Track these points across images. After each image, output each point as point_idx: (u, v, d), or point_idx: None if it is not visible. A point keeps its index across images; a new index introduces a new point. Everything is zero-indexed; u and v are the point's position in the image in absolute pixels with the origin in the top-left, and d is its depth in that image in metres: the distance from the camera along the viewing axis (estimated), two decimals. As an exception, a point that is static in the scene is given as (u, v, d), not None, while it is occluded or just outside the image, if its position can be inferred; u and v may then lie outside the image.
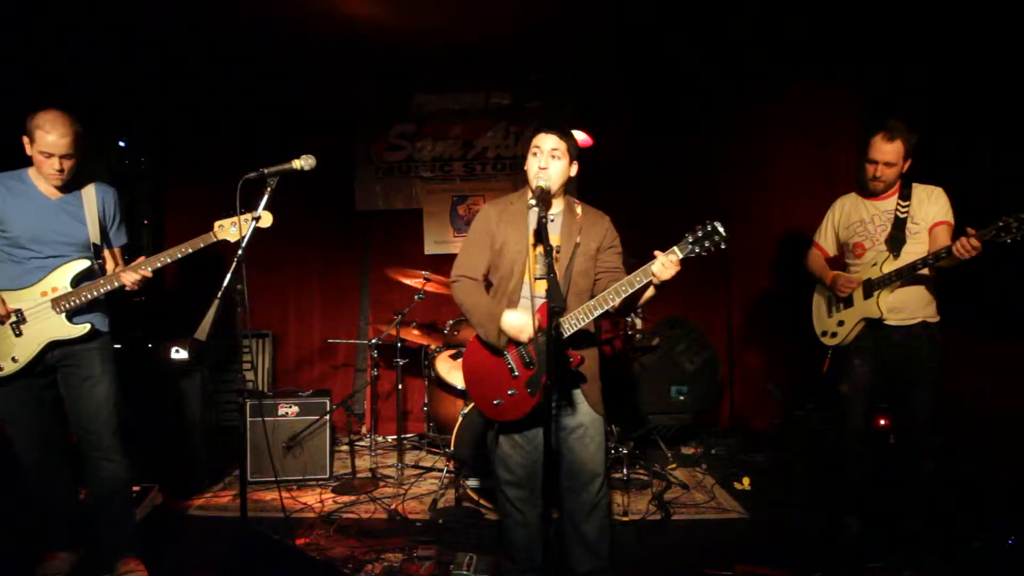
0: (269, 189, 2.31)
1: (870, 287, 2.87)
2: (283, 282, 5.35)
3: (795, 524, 3.33)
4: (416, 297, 4.28)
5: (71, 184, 2.65)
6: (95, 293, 2.61)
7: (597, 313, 2.27)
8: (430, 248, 5.32)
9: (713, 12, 4.26)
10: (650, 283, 2.19)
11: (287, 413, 4.01)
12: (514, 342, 2.34)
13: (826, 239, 3.14)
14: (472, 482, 3.51)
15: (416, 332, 4.47)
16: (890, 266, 2.82)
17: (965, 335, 3.57)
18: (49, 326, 2.57)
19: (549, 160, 2.35)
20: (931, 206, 2.84)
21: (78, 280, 2.62)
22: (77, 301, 2.59)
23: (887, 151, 2.81)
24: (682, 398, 4.54)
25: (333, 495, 3.78)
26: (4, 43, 3.86)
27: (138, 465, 2.85)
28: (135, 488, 3.12)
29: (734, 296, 5.26)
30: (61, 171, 2.54)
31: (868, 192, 2.96)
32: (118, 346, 2.85)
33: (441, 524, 3.36)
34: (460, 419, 3.46)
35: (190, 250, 2.62)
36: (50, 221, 2.60)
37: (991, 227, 2.48)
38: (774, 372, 5.07)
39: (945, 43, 4.12)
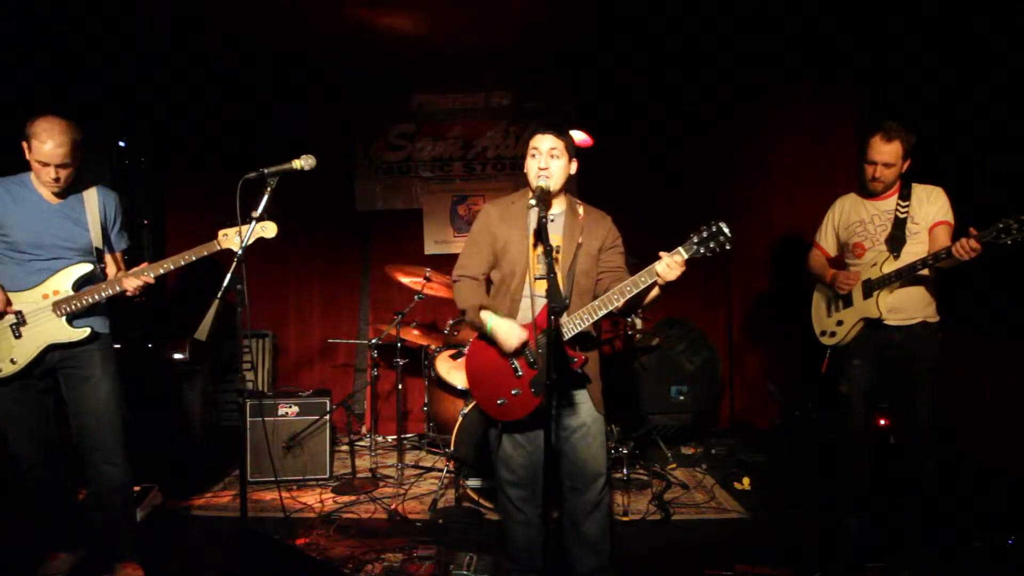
0: (269, 189, 2.30)
1: (869, 287, 2.87)
2: (283, 282, 5.35)
3: (795, 524, 3.33)
4: (416, 297, 4.28)
5: (72, 188, 2.64)
6: (96, 297, 2.60)
7: (601, 314, 2.27)
8: (430, 248, 5.32)
9: (713, 12, 4.26)
10: (654, 284, 2.19)
11: (287, 413, 4.01)
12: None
13: (826, 239, 3.14)
14: (472, 482, 3.51)
15: (416, 332, 4.47)
16: (890, 266, 2.82)
17: (965, 335, 3.57)
18: (49, 329, 2.57)
19: (549, 160, 2.35)
20: (931, 206, 2.84)
21: (80, 284, 2.61)
22: (78, 305, 2.58)
23: (885, 152, 2.81)
24: (682, 398, 4.54)
25: (333, 495, 3.78)
26: (4, 43, 3.86)
27: (138, 465, 2.84)
28: (135, 488, 3.11)
29: (734, 296, 5.26)
30: (57, 180, 2.52)
31: (868, 192, 2.96)
32: (118, 346, 2.84)
33: (441, 524, 3.36)
34: (460, 419, 3.46)
35: (193, 258, 2.61)
36: (51, 226, 2.59)
37: (991, 228, 2.48)
38: (774, 372, 5.08)
39: (945, 43, 4.12)
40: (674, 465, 4.28)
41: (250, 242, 2.39)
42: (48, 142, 2.45)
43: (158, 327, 4.29)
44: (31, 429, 2.65)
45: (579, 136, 2.54)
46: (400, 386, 4.25)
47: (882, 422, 3.67)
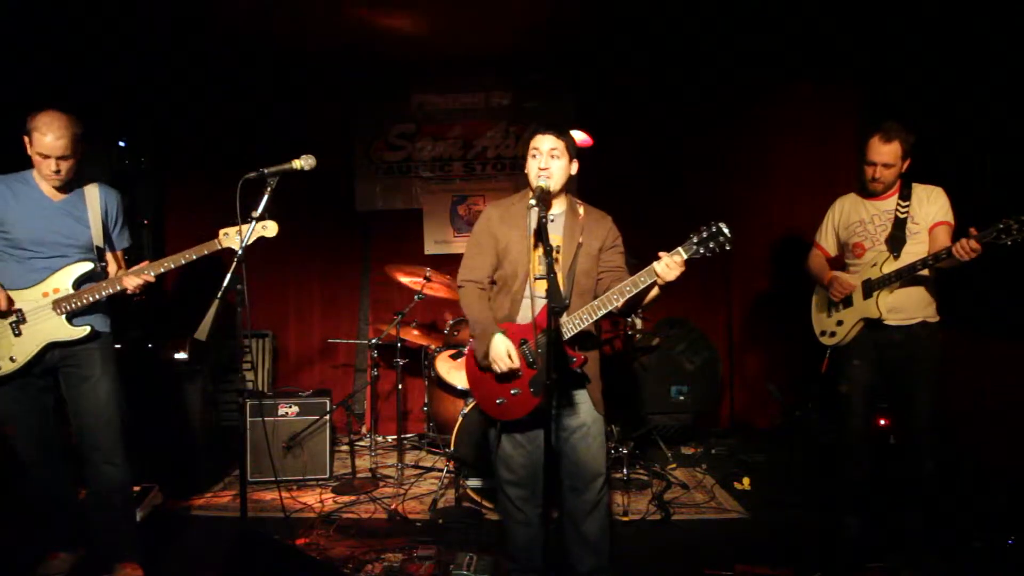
0: (269, 189, 2.31)
1: (869, 287, 2.87)
2: (283, 282, 5.35)
3: (795, 524, 3.33)
4: (416, 297, 4.28)
5: (74, 185, 2.65)
6: (96, 296, 2.60)
7: (601, 314, 2.27)
8: (430, 248, 5.32)
9: (713, 12, 4.26)
10: (654, 284, 2.19)
11: (287, 413, 4.01)
12: (520, 341, 2.34)
13: (827, 239, 3.15)
14: (472, 482, 3.51)
15: (416, 332, 4.47)
16: (890, 266, 2.82)
17: (965, 335, 3.57)
18: (49, 327, 2.57)
19: (549, 160, 2.35)
20: (931, 206, 2.84)
21: (80, 282, 2.61)
22: (78, 303, 2.58)
23: (885, 152, 2.81)
24: (682, 398, 4.54)
25: (333, 495, 3.78)
26: (4, 43, 3.86)
27: (138, 465, 2.84)
28: (135, 488, 3.12)
29: (734, 296, 5.26)
30: (58, 172, 2.53)
31: (868, 192, 2.96)
32: (118, 346, 2.84)
33: (441, 524, 3.36)
34: (460, 419, 3.47)
35: (194, 257, 2.61)
36: (52, 223, 2.59)
37: (991, 229, 2.48)
38: (774, 372, 5.08)
39: (945, 43, 4.12)
40: (674, 465, 4.28)
41: (250, 241, 2.39)
42: (49, 134, 2.46)
43: (158, 327, 4.29)
44: (31, 428, 2.66)
45: (579, 136, 2.54)
46: (400, 386, 4.25)
47: (882, 422, 3.67)
